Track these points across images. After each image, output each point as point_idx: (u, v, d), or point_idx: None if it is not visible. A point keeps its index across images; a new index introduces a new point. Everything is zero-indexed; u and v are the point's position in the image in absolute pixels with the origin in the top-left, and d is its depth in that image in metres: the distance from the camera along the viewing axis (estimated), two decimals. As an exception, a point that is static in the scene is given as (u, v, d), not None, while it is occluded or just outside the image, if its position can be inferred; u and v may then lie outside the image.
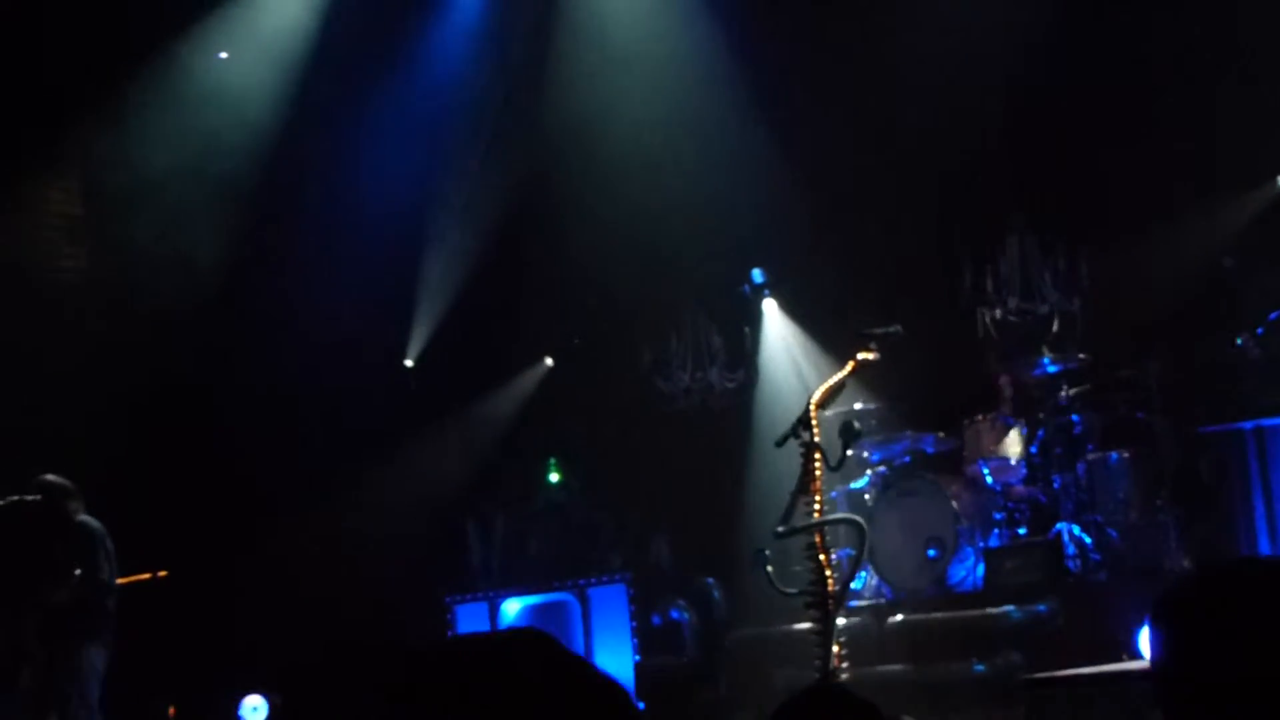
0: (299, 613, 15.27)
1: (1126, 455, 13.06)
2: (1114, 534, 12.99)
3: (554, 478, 15.93)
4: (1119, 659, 10.46)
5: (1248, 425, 12.15)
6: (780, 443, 9.31)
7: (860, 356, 9.42)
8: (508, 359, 16.77)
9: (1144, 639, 11.57)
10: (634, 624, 14.26)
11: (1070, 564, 12.88)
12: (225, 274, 15.68)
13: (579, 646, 14.58)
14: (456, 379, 16.30)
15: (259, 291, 15.81)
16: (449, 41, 16.16)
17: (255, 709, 15.43)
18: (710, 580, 14.55)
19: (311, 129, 15.82)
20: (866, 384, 13.30)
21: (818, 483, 9.16)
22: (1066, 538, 12.94)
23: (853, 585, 11.52)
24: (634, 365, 15.91)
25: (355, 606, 15.20)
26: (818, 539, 9.15)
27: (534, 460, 16.08)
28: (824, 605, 9.10)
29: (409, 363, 16.75)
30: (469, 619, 15.25)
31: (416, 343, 16.70)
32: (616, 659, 14.26)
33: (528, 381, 16.89)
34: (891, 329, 9.55)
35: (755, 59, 15.15)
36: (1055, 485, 13.27)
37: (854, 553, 9.44)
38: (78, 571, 11.53)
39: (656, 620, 14.32)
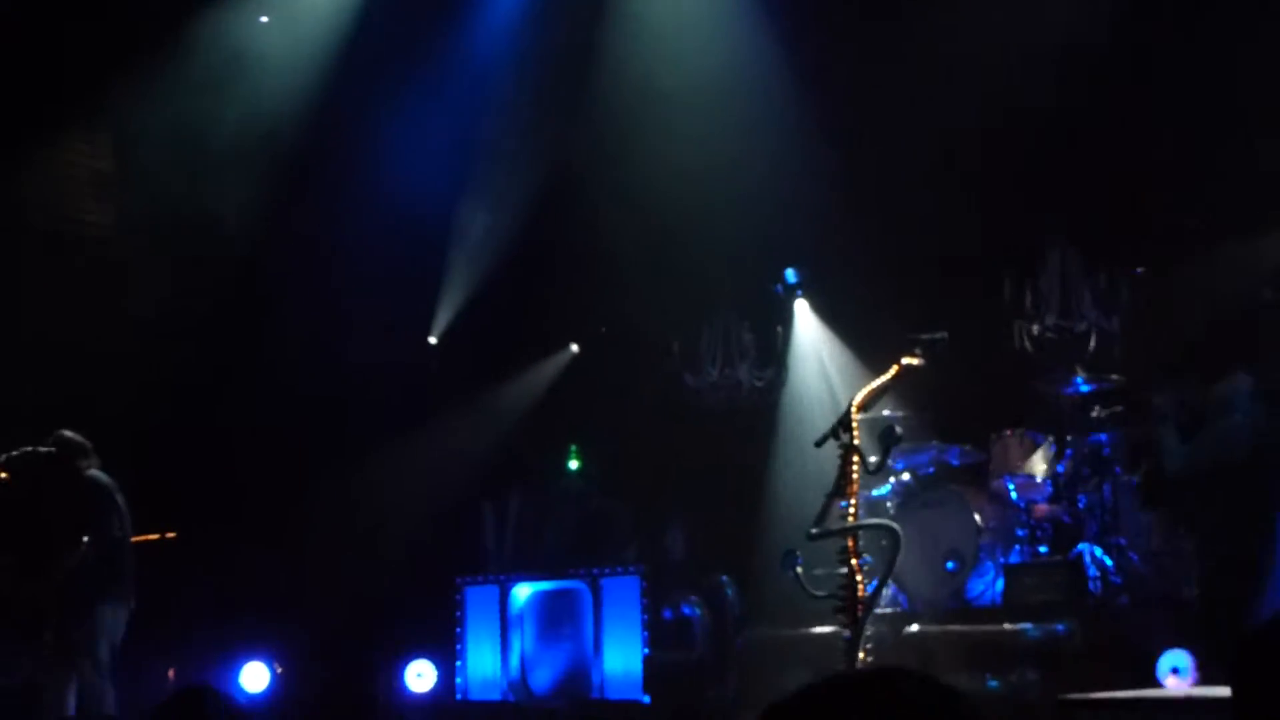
0: (306, 583, 15.22)
1: (1154, 480, 13.00)
2: (1135, 558, 12.91)
3: (573, 465, 15.85)
4: (1135, 684, 10.39)
5: (1275, 457, 12.05)
6: (820, 443, 9.24)
7: (905, 361, 9.34)
8: (533, 344, 16.69)
9: (1162, 665, 11.53)
10: (645, 617, 14.17)
11: (1091, 585, 12.80)
12: (254, 239, 15.60)
13: (588, 636, 14.51)
14: (480, 360, 16.23)
15: (287, 258, 15.74)
16: (493, 21, 16.07)
17: (256, 677, 15.37)
18: (724, 578, 14.46)
19: (348, 100, 15.75)
20: (896, 391, 13.20)
21: (854, 485, 9.08)
22: (1088, 559, 12.87)
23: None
24: (662, 358, 15.84)
25: (363, 581, 15.14)
26: (850, 543, 9.07)
27: (554, 446, 16.01)
28: (853, 610, 9.02)
29: (433, 340, 16.66)
30: (478, 601, 15.18)
31: (442, 321, 16.62)
32: (625, 651, 14.19)
33: (552, 367, 16.82)
34: (938, 336, 9.47)
35: (801, 58, 15.06)
36: (1080, 505, 13.19)
37: (882, 561, 9.36)
38: (86, 531, 11.46)
39: (668, 614, 14.23)
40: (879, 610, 12.91)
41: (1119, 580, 12.83)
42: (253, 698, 14.89)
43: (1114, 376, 13.31)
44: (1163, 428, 11.63)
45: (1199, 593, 12.43)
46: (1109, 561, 12.86)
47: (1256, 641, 2.65)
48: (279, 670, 15.37)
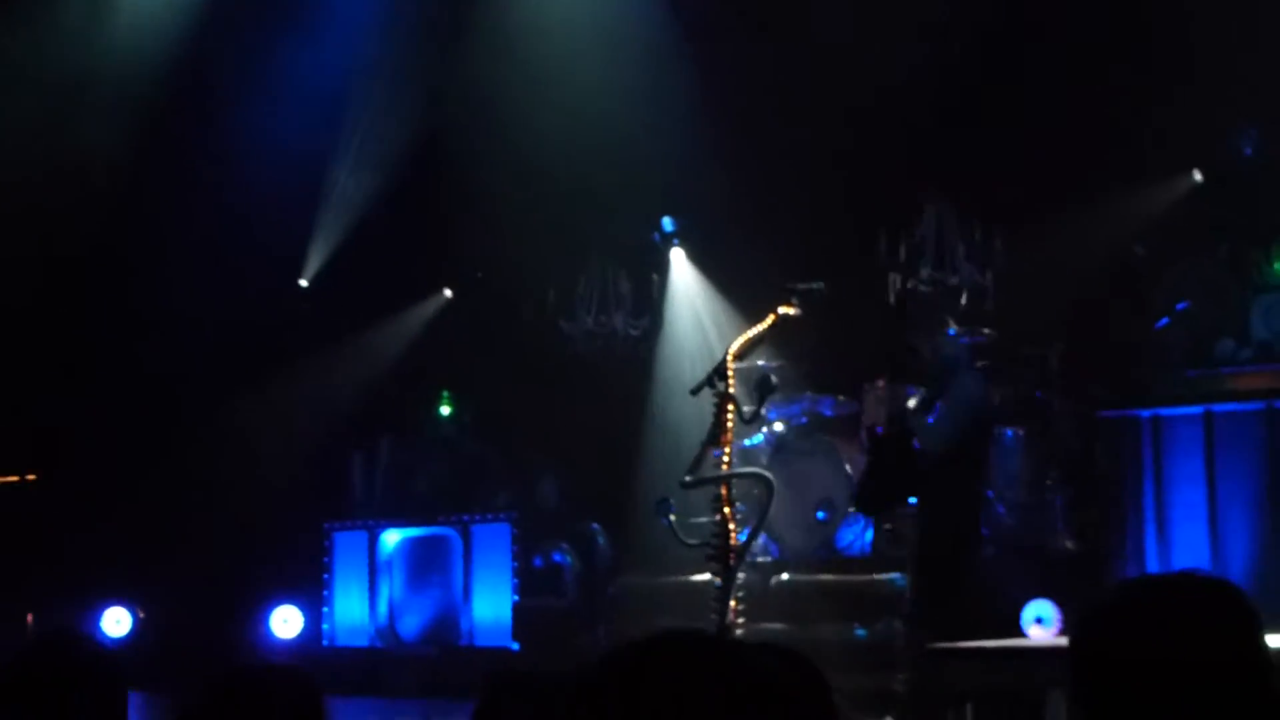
0: (171, 527, 15.04)
1: (1022, 433, 13.13)
2: (1002, 510, 13.05)
3: (445, 411, 15.75)
4: (1001, 634, 10.50)
5: (1145, 413, 12.19)
6: (695, 391, 9.24)
7: (781, 310, 9.35)
8: (406, 288, 16.53)
9: (1027, 615, 11.68)
10: (515, 564, 14.15)
11: (959, 536, 12.92)
12: (122, 181, 15.32)
13: (458, 583, 14.47)
14: (352, 304, 16.05)
15: (156, 200, 15.48)
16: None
17: (118, 621, 15.19)
18: (596, 525, 14.46)
19: (220, 41, 15.48)
20: (771, 341, 13.22)
21: (729, 434, 9.09)
22: (956, 510, 12.97)
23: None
24: (537, 304, 15.76)
25: (230, 525, 14.98)
26: (724, 492, 9.08)
27: (426, 392, 15.90)
28: (725, 559, 9.04)
29: (304, 283, 16.47)
30: (346, 547, 15.09)
31: (313, 264, 16.43)
32: (495, 598, 14.17)
33: (425, 312, 16.68)
34: (814, 285, 9.49)
35: (678, 10, 15.01)
36: (949, 457, 13.29)
37: (755, 510, 9.39)
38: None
39: (538, 562, 14.22)
40: (751, 560, 13.00)
41: (986, 532, 12.96)
42: (114, 643, 14.70)
43: (986, 331, 13.40)
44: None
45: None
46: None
47: (1084, 618, 2.77)
48: (141, 615, 15.20)
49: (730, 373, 9.10)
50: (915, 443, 11.10)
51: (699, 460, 9.12)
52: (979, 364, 13.27)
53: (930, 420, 10.73)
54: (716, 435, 9.08)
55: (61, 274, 14.99)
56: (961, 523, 10.77)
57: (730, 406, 9.05)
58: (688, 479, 9.04)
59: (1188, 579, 2.74)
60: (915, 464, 10.84)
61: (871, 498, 10.98)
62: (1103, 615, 2.69)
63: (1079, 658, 2.67)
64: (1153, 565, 11.48)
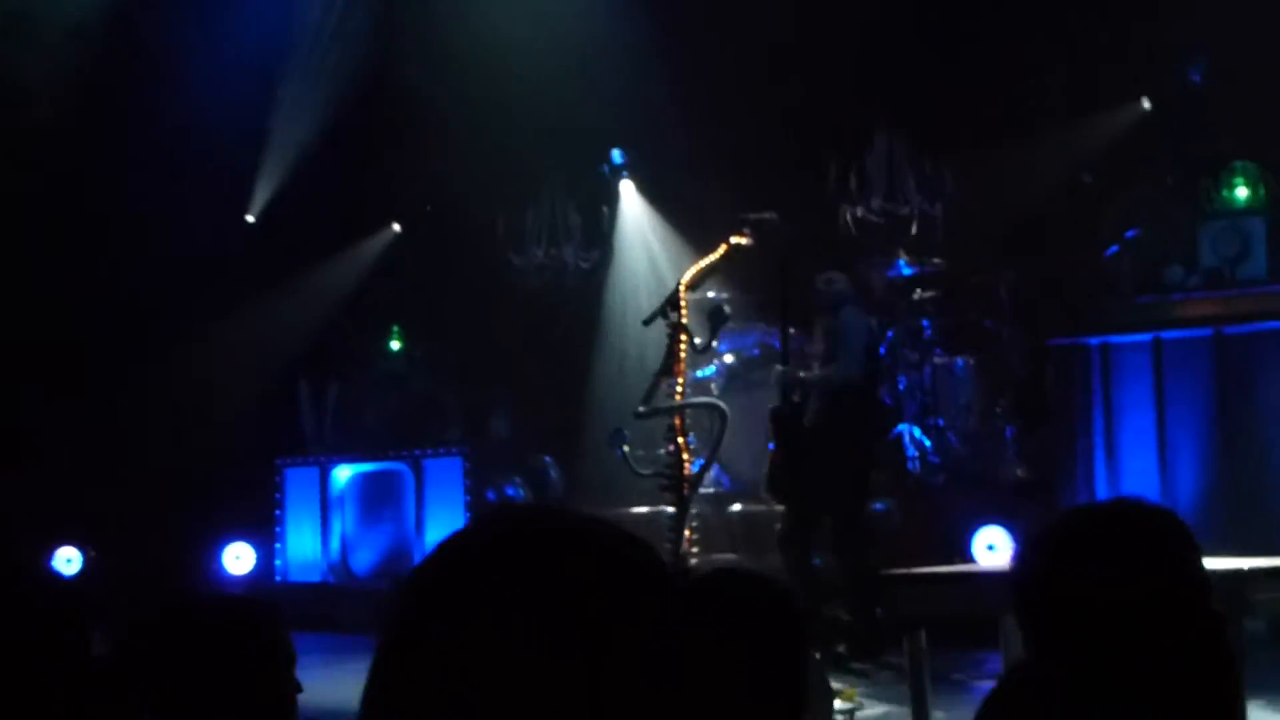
0: (121, 466, 14.96)
1: (972, 362, 13.21)
2: (954, 439, 13.14)
3: (395, 345, 15.70)
4: (952, 561, 10.55)
5: (1094, 341, 12.26)
6: (648, 321, 9.25)
7: (734, 240, 9.34)
8: (355, 222, 16.42)
9: (978, 542, 11.76)
10: (468, 498, 14.12)
11: (910, 465, 13.00)
12: (67, 115, 15.15)
13: (410, 518, 14.45)
14: (300, 239, 15.94)
15: (102, 135, 15.31)
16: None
17: (69, 560, 15.12)
18: (548, 459, 14.45)
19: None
20: (722, 272, 13.21)
21: (682, 364, 9.10)
22: (907, 439, 13.06)
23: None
24: (487, 238, 15.70)
25: (181, 463, 14.90)
26: (678, 421, 9.09)
27: (376, 327, 15.84)
28: (679, 489, 9.05)
29: (251, 219, 16.35)
30: (298, 483, 15.04)
31: (260, 199, 16.30)
32: (448, 532, 14.12)
33: (374, 247, 16.59)
34: (767, 215, 9.49)
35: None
36: (900, 386, 13.37)
37: (708, 440, 9.40)
38: None
39: (491, 495, 14.20)
40: (704, 491, 13.03)
41: (937, 460, 13.05)
42: (64, 581, 14.61)
43: (936, 260, 13.45)
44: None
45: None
46: (928, 442, 13.06)
47: (1027, 543, 2.80)
48: (91, 554, 15.13)
49: (683, 303, 9.10)
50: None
51: (652, 391, 9.13)
52: (927, 293, 13.33)
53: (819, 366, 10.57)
54: (670, 366, 9.09)
55: (4, 209, 14.83)
56: (858, 464, 10.63)
57: (683, 337, 9.05)
58: (641, 410, 9.06)
59: (1125, 506, 2.77)
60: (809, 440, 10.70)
61: (778, 481, 10.90)
62: (1041, 546, 2.72)
63: (1019, 588, 2.70)
64: (1102, 491, 11.57)
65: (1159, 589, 2.58)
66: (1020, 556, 2.73)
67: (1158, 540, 2.65)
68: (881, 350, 13.38)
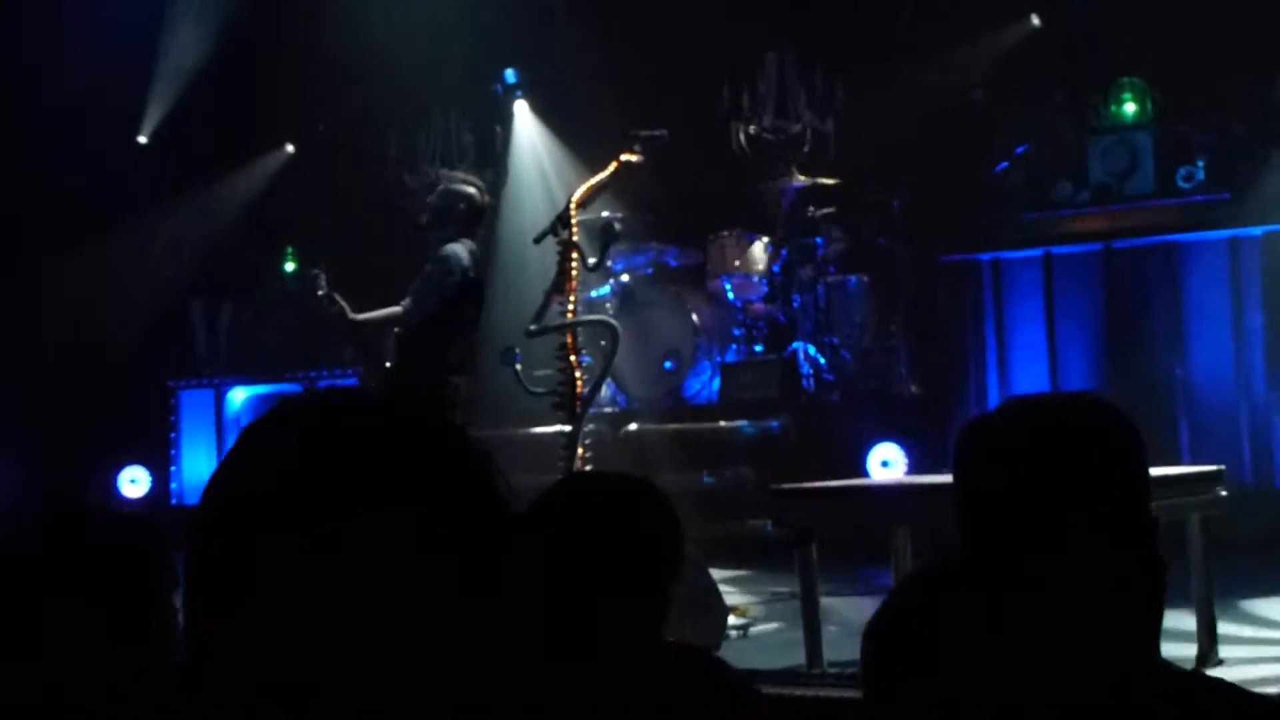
0: (11, 389, 14.80)
1: (866, 280, 13.29)
2: (848, 356, 13.24)
3: (289, 267, 15.58)
4: (847, 477, 10.64)
5: (985, 257, 12.38)
6: (538, 239, 9.20)
7: (624, 158, 9.30)
8: (247, 143, 16.24)
9: (873, 459, 11.88)
10: (364, 419, 14.05)
11: (804, 383, 13.10)
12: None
13: (306, 439, 14.38)
14: (192, 158, 15.76)
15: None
16: None
17: (-39, 487, 14.97)
18: (445, 379, 14.40)
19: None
20: (615, 192, 13.18)
21: (573, 283, 9.07)
22: (802, 357, 13.15)
23: (594, 390, 11.49)
24: (380, 158, 15.59)
25: (73, 387, 14.77)
26: (569, 339, 9.07)
27: (270, 248, 15.71)
28: (572, 408, 9.05)
29: (143, 139, 16.15)
30: (193, 405, 14.95)
31: (152, 119, 16.10)
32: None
33: (268, 166, 16.43)
34: (657, 133, 9.45)
35: None
36: (794, 305, 13.45)
37: (601, 359, 9.39)
38: None
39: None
40: (599, 410, 13.06)
41: (832, 378, 13.15)
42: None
43: (829, 178, 13.49)
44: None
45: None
46: (822, 359, 13.16)
47: (974, 429, 2.73)
48: (-15, 477, 14.98)
49: (574, 221, 9.06)
50: None
51: (543, 309, 9.10)
52: (820, 211, 13.37)
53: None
54: (561, 284, 9.06)
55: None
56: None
57: (574, 255, 9.01)
58: (532, 328, 9.03)
59: (1077, 401, 2.73)
60: None
61: None
62: (987, 439, 2.67)
63: (961, 480, 2.65)
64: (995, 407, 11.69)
65: (1108, 487, 2.56)
66: (963, 449, 2.66)
67: (1110, 437, 2.61)
68: (776, 268, 13.48)
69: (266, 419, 1.47)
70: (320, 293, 9.88)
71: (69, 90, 14.87)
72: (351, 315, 9.96)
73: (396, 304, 10.17)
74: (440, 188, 10.17)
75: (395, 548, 1.36)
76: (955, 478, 2.67)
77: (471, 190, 10.17)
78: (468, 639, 1.38)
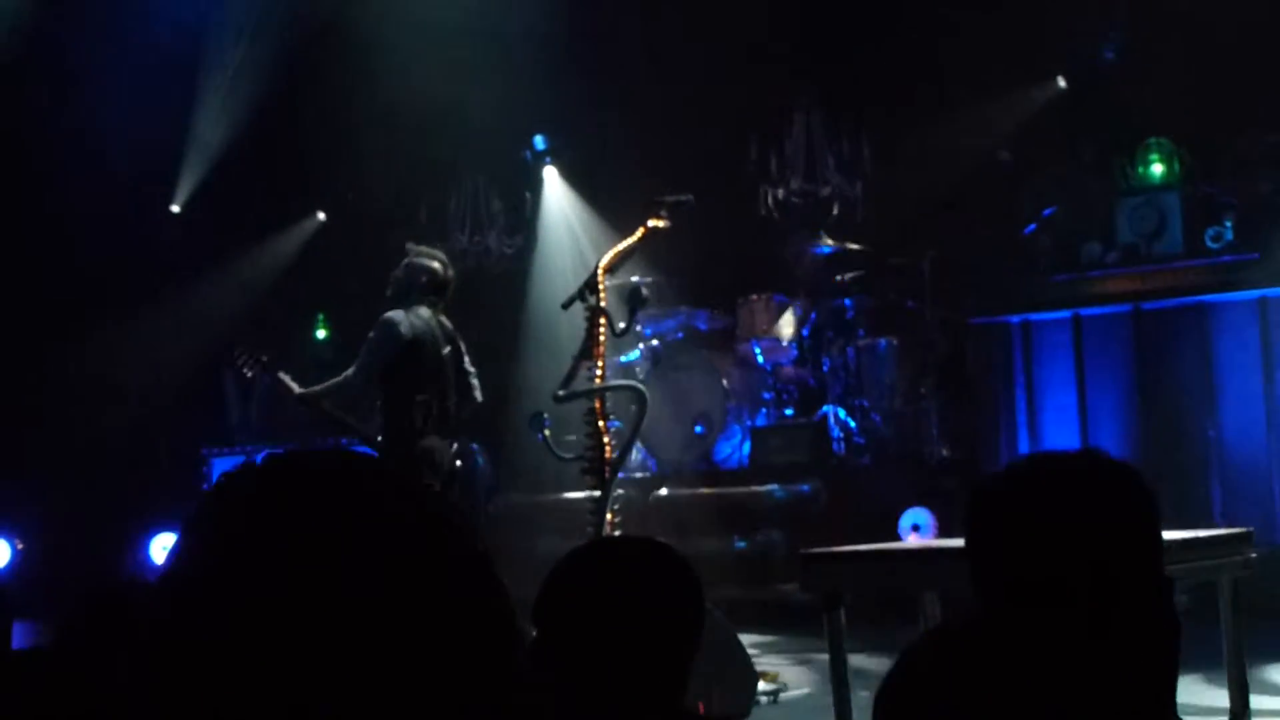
0: (48, 455, 14.88)
1: (895, 342, 13.28)
2: (878, 419, 13.22)
3: (321, 334, 15.65)
4: (878, 540, 10.60)
5: (1014, 319, 12.39)
6: (566, 305, 9.21)
7: (651, 223, 9.32)
8: (279, 212, 16.36)
9: (904, 522, 11.83)
10: (394, 486, 14.06)
11: (835, 446, 13.08)
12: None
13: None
14: (225, 228, 15.88)
15: (20, 124, 15.19)
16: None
17: (-3, 554, 15.05)
18: (475, 446, 14.40)
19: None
20: (644, 256, 13.22)
21: (601, 348, 9.08)
22: (832, 420, 13.14)
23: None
24: (410, 225, 15.66)
25: (108, 453, 14.84)
26: (598, 405, 9.08)
27: (302, 315, 15.78)
28: (600, 472, 9.05)
29: (176, 209, 16.27)
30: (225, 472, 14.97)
31: (185, 189, 16.22)
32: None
33: (299, 235, 16.53)
34: (684, 198, 9.47)
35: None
36: (824, 368, 13.44)
37: (629, 423, 9.39)
38: None
39: (418, 483, 14.16)
40: (630, 475, 13.07)
41: (862, 441, 13.13)
42: (-5, 575, 14.57)
43: (857, 241, 13.53)
44: None
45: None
46: (852, 423, 13.14)
47: (984, 489, 2.73)
48: (20, 547, 15.04)
49: (601, 286, 9.08)
50: None
51: (571, 374, 9.10)
52: (849, 274, 13.40)
53: None
54: (589, 349, 9.07)
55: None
56: None
57: (602, 320, 9.03)
58: (560, 393, 9.03)
59: (1090, 460, 2.69)
60: None
61: None
62: (1003, 498, 2.65)
63: (974, 541, 2.62)
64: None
65: (1116, 545, 2.54)
66: (972, 508, 2.65)
67: (1117, 494, 2.60)
68: (805, 332, 13.49)
69: (223, 486, 1.48)
70: (248, 374, 10.01)
71: (103, 163, 14.99)
72: (299, 390, 10.07)
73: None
74: (405, 261, 10.26)
75: (342, 613, 1.36)
76: (966, 537, 2.67)
77: (435, 264, 10.23)
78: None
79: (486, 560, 1.46)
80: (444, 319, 10.06)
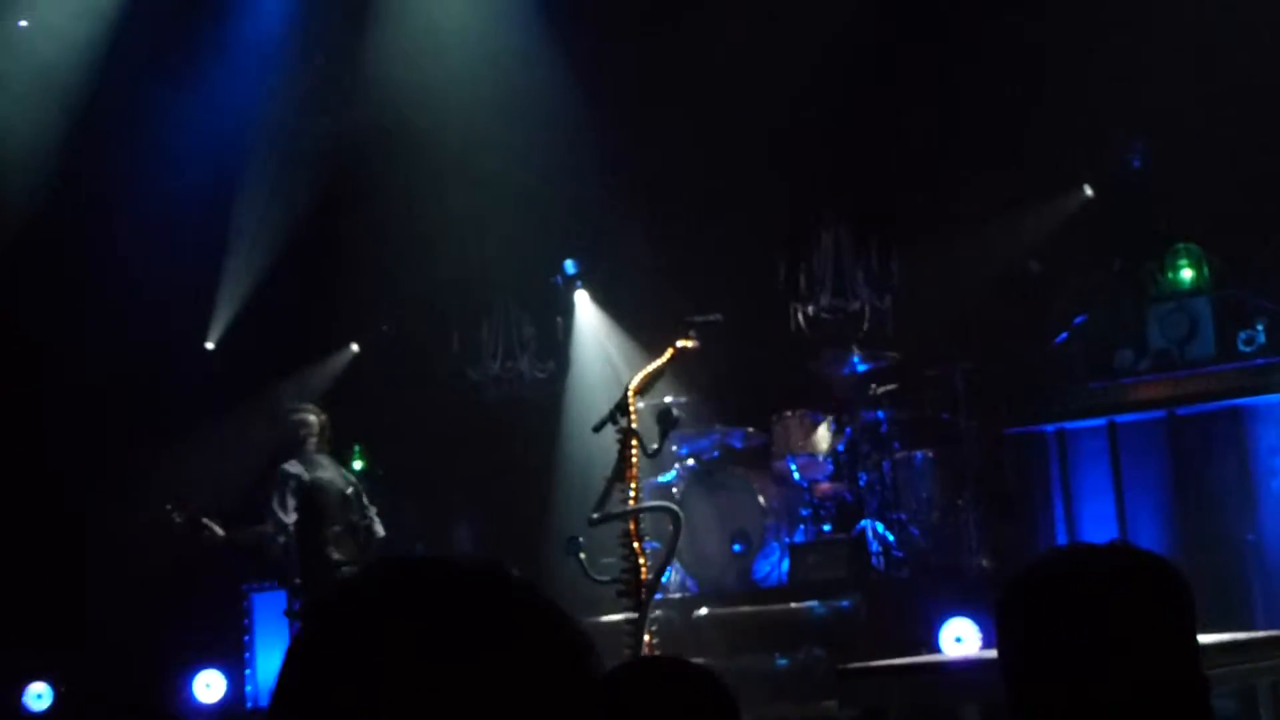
0: (87, 597, 14.89)
1: (931, 455, 13.25)
2: (916, 532, 13.16)
3: (358, 465, 15.69)
4: (921, 654, 10.55)
5: (1050, 428, 12.34)
6: (598, 428, 9.26)
7: (680, 344, 9.39)
8: (313, 345, 16.47)
9: (945, 635, 11.75)
10: (435, 613, 14.03)
11: (874, 561, 13.04)
12: (20, 234, 15.18)
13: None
14: (260, 363, 15.98)
15: (57, 259, 15.34)
16: (261, 19, 15.84)
17: (39, 696, 15.01)
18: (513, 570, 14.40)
19: (119, 97, 15.39)
20: (676, 376, 13.27)
21: (634, 470, 9.11)
22: (870, 535, 13.09)
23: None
24: (443, 353, 15.76)
25: (147, 592, 14.84)
26: (632, 526, 9.10)
27: (337, 447, 15.81)
28: (637, 594, 9.05)
29: (210, 346, 16.39)
30: (266, 607, 14.97)
31: (219, 326, 16.35)
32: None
33: (333, 367, 16.62)
34: (712, 317, 9.55)
35: (573, 48, 15.10)
36: (861, 482, 13.41)
37: (665, 544, 9.40)
38: None
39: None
40: (669, 595, 13.03)
41: (901, 554, 13.08)
42: (38, 718, 14.55)
43: (889, 354, 13.54)
44: None
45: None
46: (891, 536, 13.09)
47: (1014, 586, 2.71)
48: (62, 689, 15.02)
49: (632, 408, 9.13)
50: None
51: (605, 497, 9.13)
52: (882, 388, 13.40)
53: None
54: (621, 471, 9.11)
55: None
56: None
57: (634, 442, 9.07)
58: (594, 516, 9.06)
59: (1120, 556, 2.66)
60: None
61: None
62: (1019, 593, 2.64)
63: (1002, 637, 2.60)
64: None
65: (1146, 642, 2.50)
66: (1000, 609, 2.62)
67: (1143, 589, 2.56)
68: (840, 447, 13.48)
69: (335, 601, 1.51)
70: (179, 520, 10.77)
71: (138, 303, 15.14)
72: (223, 535, 10.89)
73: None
74: (287, 419, 11.71)
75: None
76: (997, 639, 2.65)
77: (309, 416, 11.75)
78: None
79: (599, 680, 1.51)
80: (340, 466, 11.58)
